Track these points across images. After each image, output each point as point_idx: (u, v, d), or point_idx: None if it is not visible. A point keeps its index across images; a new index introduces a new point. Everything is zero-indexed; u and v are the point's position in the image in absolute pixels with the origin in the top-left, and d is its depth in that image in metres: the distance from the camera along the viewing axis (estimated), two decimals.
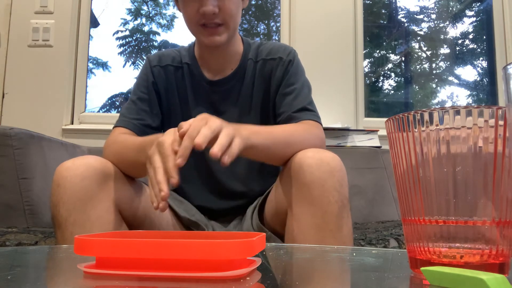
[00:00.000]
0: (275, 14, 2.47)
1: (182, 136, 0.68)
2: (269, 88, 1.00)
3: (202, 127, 0.67)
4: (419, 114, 0.36)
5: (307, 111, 0.94)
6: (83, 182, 0.77)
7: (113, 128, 0.97)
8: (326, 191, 0.75)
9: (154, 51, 1.10)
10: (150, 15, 2.62)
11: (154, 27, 2.63)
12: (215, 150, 0.64)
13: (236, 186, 1.02)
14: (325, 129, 1.71)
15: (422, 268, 0.33)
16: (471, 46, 2.61)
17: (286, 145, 0.83)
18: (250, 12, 2.51)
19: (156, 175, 0.67)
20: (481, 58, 2.57)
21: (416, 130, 0.37)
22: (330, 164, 0.77)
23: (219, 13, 0.91)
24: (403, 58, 2.59)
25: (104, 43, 2.35)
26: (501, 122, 0.34)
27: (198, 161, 1.00)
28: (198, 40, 1.00)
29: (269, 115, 1.01)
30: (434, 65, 2.59)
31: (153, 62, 1.03)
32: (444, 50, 2.56)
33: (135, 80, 1.06)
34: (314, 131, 0.90)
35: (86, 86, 2.06)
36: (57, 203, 0.77)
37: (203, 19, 0.91)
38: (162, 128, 1.03)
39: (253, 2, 2.47)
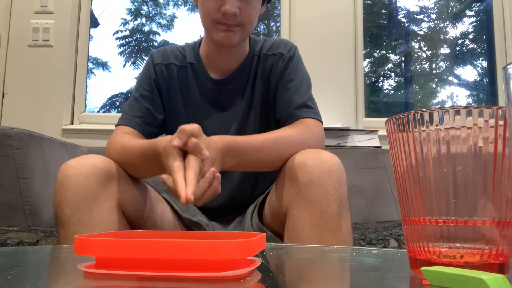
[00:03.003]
0: (275, 14, 2.47)
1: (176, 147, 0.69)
2: (269, 83, 1.01)
3: (192, 173, 0.67)
4: (419, 114, 0.36)
5: (307, 108, 0.94)
6: (87, 181, 0.78)
7: (115, 126, 0.97)
8: (325, 190, 0.75)
9: (155, 50, 1.09)
10: (150, 15, 2.62)
11: (154, 27, 2.63)
12: (191, 196, 0.64)
13: (239, 186, 1.02)
14: (325, 129, 1.71)
15: (422, 268, 0.33)
16: (471, 46, 2.61)
17: (279, 154, 0.84)
18: None
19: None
20: (481, 58, 2.57)
21: (416, 130, 0.37)
22: (328, 163, 0.77)
23: (239, 15, 0.90)
24: (403, 58, 2.59)
25: (104, 43, 2.35)
26: (501, 122, 0.34)
27: None
28: (211, 38, 0.97)
29: (270, 110, 1.01)
30: (434, 65, 2.59)
31: (156, 60, 1.03)
32: (444, 50, 2.56)
33: (135, 80, 1.06)
34: (312, 131, 0.90)
35: (86, 86, 2.06)
36: (61, 202, 0.77)
37: (221, 18, 0.90)
38: (164, 126, 1.03)
39: None
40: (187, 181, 0.65)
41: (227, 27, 0.91)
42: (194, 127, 0.71)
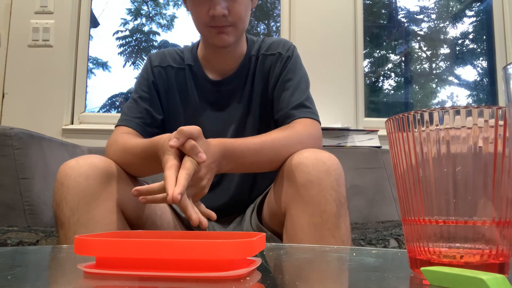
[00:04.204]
0: (275, 14, 2.47)
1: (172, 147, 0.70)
2: (268, 83, 1.01)
3: (184, 177, 0.66)
4: (419, 114, 0.36)
5: (304, 107, 0.94)
6: (87, 181, 0.77)
7: (115, 127, 0.98)
8: (323, 190, 0.75)
9: (154, 51, 1.09)
10: (150, 15, 2.62)
11: (154, 27, 2.63)
12: (177, 196, 0.64)
13: (238, 187, 1.02)
14: (325, 129, 1.73)
15: (422, 268, 0.33)
16: (471, 46, 2.61)
17: (277, 155, 0.85)
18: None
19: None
20: (481, 58, 2.57)
21: (416, 130, 0.37)
22: (326, 163, 0.77)
23: (228, 15, 0.91)
24: (403, 58, 2.59)
25: (104, 43, 2.35)
26: (501, 122, 0.34)
27: None
28: (206, 41, 0.99)
29: (268, 110, 1.01)
30: (434, 65, 2.59)
31: (154, 62, 1.03)
32: (444, 50, 2.56)
33: (135, 80, 1.06)
34: (309, 131, 0.90)
35: (86, 86, 2.06)
36: (60, 202, 0.77)
37: (212, 22, 0.91)
38: (163, 127, 1.03)
39: None
40: (178, 180, 0.66)
41: (219, 29, 0.92)
42: (193, 129, 0.71)
